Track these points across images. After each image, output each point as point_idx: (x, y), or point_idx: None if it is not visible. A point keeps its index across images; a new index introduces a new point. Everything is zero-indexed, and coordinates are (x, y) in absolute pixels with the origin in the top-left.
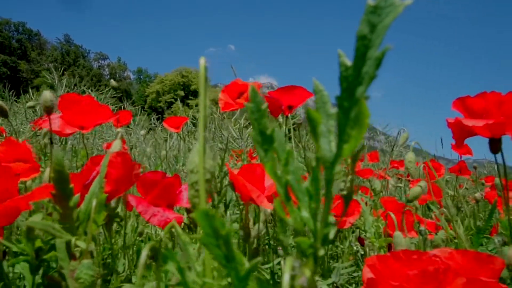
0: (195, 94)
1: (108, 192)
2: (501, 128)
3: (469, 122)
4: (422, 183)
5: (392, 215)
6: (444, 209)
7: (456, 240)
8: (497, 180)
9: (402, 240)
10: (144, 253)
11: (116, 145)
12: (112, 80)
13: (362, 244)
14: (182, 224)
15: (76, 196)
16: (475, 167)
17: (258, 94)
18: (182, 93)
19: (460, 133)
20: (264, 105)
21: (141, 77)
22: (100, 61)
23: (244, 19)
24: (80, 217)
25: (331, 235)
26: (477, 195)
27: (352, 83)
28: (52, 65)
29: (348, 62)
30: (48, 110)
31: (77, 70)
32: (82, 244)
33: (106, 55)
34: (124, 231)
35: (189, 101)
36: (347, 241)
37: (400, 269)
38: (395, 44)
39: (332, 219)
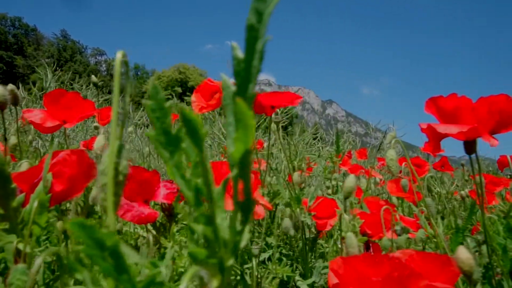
0: (193, 90)
1: (61, 191)
2: (475, 133)
3: (442, 129)
4: (404, 181)
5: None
6: (424, 207)
7: (435, 239)
8: (477, 179)
9: (354, 241)
10: (38, 261)
11: (100, 140)
12: (92, 76)
13: None
14: (157, 221)
15: (21, 196)
16: (462, 164)
17: (160, 91)
18: (179, 89)
19: (435, 137)
20: (167, 103)
21: (139, 73)
22: (97, 57)
23: (242, 15)
24: (25, 218)
25: (242, 244)
26: (463, 192)
27: (244, 78)
28: (48, 60)
29: (241, 55)
30: (0, 105)
31: (74, 65)
32: (22, 247)
33: (104, 50)
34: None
35: (186, 98)
36: (332, 240)
37: (364, 272)
38: (400, 43)
39: (239, 226)
